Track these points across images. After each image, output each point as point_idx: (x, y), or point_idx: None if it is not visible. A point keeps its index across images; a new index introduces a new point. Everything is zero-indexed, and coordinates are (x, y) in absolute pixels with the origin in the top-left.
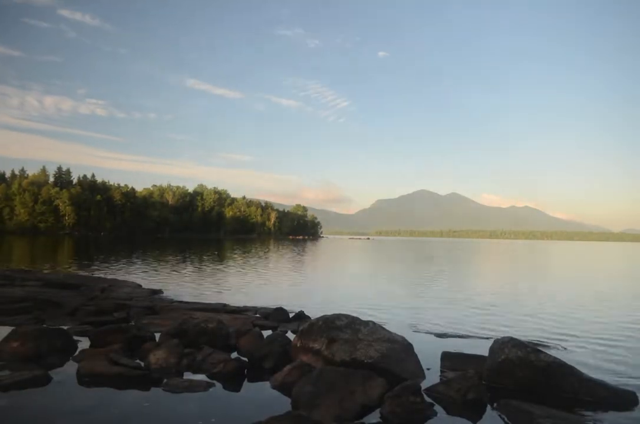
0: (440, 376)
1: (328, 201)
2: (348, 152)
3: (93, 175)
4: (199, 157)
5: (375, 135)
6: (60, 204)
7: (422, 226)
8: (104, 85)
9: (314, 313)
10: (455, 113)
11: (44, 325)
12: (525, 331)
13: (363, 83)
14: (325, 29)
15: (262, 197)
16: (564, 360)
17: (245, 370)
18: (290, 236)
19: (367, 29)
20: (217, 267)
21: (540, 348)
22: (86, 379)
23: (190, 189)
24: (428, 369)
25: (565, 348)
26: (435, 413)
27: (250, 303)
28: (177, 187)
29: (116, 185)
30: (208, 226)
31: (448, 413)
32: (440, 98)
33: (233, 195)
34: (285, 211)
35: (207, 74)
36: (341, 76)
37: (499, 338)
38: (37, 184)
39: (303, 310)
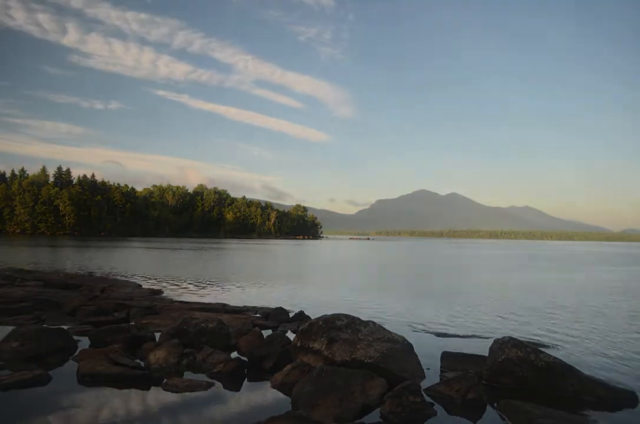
0: (440, 376)
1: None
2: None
3: (93, 175)
4: None
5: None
6: (60, 204)
7: (422, 227)
8: None
9: (314, 313)
10: (455, 112)
11: (44, 325)
12: (525, 331)
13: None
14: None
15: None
16: (564, 360)
17: (245, 370)
18: (291, 237)
19: None
20: (217, 267)
21: (540, 348)
22: (86, 379)
23: (191, 188)
24: (428, 369)
25: (565, 348)
26: (435, 413)
27: (250, 303)
28: (177, 187)
29: (116, 185)
30: (208, 226)
31: (448, 412)
32: (441, 96)
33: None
34: (285, 211)
35: None
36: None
37: (499, 338)
38: (37, 184)
39: (303, 310)
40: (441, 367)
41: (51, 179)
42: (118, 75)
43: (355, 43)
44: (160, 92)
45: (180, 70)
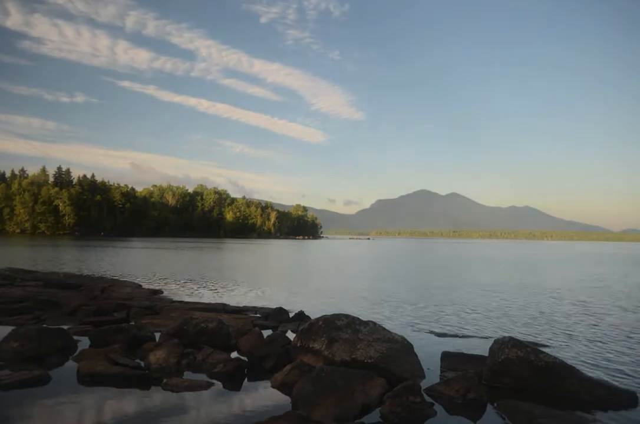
0: (440, 376)
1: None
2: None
3: (93, 175)
4: None
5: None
6: (60, 204)
7: (422, 227)
8: None
9: (314, 313)
10: (456, 113)
11: (44, 325)
12: (525, 331)
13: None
14: None
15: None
16: (564, 360)
17: (245, 370)
18: (291, 237)
19: None
20: (217, 267)
21: (540, 348)
22: (86, 379)
23: (191, 189)
24: (428, 369)
25: (565, 348)
26: (435, 413)
27: (250, 303)
28: (177, 187)
29: (116, 185)
30: (208, 226)
31: (448, 412)
32: (442, 97)
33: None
34: (286, 211)
35: None
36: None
37: (499, 338)
38: (37, 184)
39: (303, 310)
40: (441, 367)
41: (51, 179)
42: (76, 63)
43: (323, 25)
44: (125, 83)
45: (140, 57)
